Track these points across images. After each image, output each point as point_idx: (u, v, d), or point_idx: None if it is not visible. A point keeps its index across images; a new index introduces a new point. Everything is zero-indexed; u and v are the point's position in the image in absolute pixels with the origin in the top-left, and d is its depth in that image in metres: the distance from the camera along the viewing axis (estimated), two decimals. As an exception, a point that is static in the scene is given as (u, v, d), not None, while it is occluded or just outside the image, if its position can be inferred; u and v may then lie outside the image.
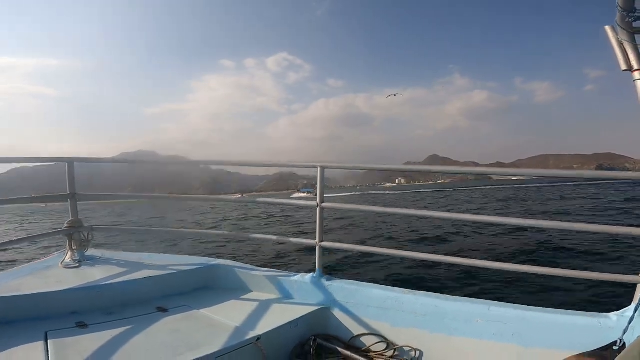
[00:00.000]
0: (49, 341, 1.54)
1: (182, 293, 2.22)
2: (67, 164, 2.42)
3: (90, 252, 2.58)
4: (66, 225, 2.45)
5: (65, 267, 2.35)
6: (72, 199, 2.47)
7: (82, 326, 1.72)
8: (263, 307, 2.01)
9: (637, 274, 1.49)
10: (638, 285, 1.49)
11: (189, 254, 2.71)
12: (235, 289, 2.29)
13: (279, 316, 1.88)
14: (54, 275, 2.20)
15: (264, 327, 1.75)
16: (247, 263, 2.49)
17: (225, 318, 1.84)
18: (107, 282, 2.07)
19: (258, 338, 1.63)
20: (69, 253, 2.47)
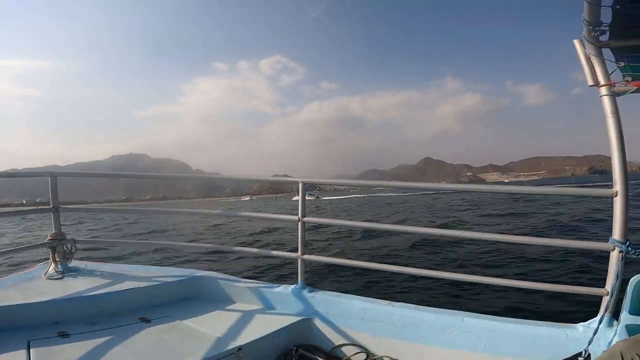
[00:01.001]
0: (31, 350, 1.56)
1: (165, 304, 2.23)
2: (49, 178, 2.43)
3: (74, 263, 2.58)
4: (49, 237, 2.45)
5: (48, 279, 2.35)
6: (55, 212, 2.48)
7: (64, 336, 1.73)
8: (246, 317, 2.04)
9: (603, 287, 1.55)
10: (603, 298, 1.54)
11: (174, 266, 2.73)
12: (219, 300, 2.31)
13: (262, 327, 1.91)
14: (36, 286, 2.20)
15: (246, 337, 1.77)
16: (231, 274, 2.51)
17: (208, 328, 1.86)
18: (89, 293, 2.08)
19: (239, 348, 1.66)
20: (52, 264, 2.47)
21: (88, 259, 2.84)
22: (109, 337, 1.73)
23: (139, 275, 2.43)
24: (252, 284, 2.33)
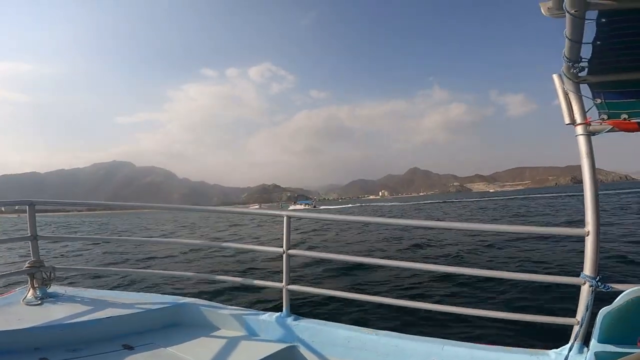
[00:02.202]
0: None
1: (148, 331, 2.20)
2: (27, 206, 2.43)
3: (53, 288, 2.54)
4: (27, 265, 2.43)
5: (27, 305, 2.31)
6: (34, 240, 2.46)
7: None
8: (230, 345, 2.03)
9: (573, 317, 1.61)
10: (574, 327, 1.61)
11: (158, 292, 2.70)
12: (203, 327, 2.29)
13: (246, 354, 1.91)
14: (15, 312, 2.17)
15: None
16: (216, 301, 2.51)
17: (191, 356, 1.85)
18: (70, 321, 2.06)
19: None
20: (31, 290, 2.43)
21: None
22: None
23: (121, 302, 2.40)
24: (237, 311, 2.32)
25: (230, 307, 2.39)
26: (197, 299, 2.49)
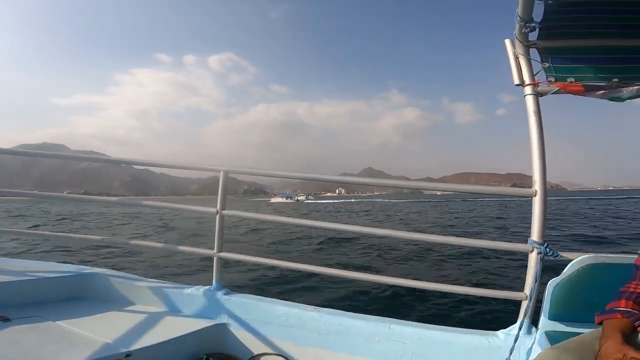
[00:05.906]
0: None
1: (38, 303, 1.85)
2: None
3: None
4: None
5: None
6: None
7: None
8: (145, 321, 1.73)
9: (522, 291, 1.51)
10: (522, 303, 1.50)
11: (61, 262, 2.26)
12: (112, 301, 1.96)
13: (163, 332, 1.63)
14: None
15: (140, 342, 1.48)
16: (134, 273, 2.17)
17: (89, 332, 1.54)
18: None
19: (128, 354, 1.37)
20: None
21: None
22: None
23: (7, 269, 2.00)
24: (157, 283, 2.02)
25: (149, 279, 2.06)
26: (107, 270, 2.12)
